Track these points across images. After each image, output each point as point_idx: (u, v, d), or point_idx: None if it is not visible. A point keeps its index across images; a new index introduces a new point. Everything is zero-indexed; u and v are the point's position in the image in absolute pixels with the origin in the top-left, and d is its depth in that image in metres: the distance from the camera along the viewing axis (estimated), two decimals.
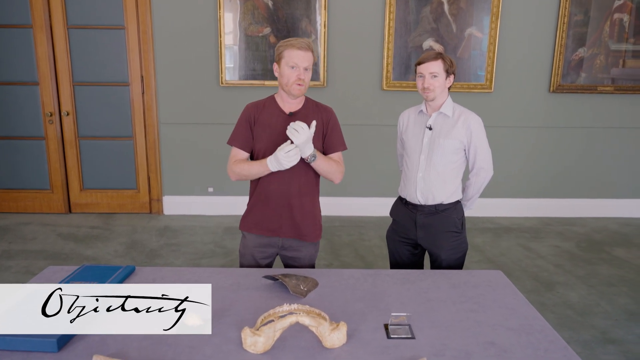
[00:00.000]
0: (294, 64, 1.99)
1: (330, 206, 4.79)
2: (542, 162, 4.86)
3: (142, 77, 4.57)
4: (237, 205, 4.75)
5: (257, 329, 1.49)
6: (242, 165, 2.07)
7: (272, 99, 2.15)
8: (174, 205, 4.82)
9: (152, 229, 4.42)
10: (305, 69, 2.01)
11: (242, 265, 2.26)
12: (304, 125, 1.91)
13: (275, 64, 2.07)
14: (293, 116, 2.09)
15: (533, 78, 4.64)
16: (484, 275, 2.01)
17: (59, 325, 1.47)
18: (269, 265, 2.27)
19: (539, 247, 4.12)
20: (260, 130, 2.09)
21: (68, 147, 4.69)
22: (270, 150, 2.04)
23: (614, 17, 4.47)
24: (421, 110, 2.24)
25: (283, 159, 1.92)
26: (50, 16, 4.41)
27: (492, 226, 4.61)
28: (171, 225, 4.50)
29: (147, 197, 4.82)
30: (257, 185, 2.14)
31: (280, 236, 2.15)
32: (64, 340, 1.44)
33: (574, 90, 4.64)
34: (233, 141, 2.13)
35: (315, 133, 2.07)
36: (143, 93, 4.60)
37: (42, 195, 4.76)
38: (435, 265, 2.25)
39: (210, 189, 4.80)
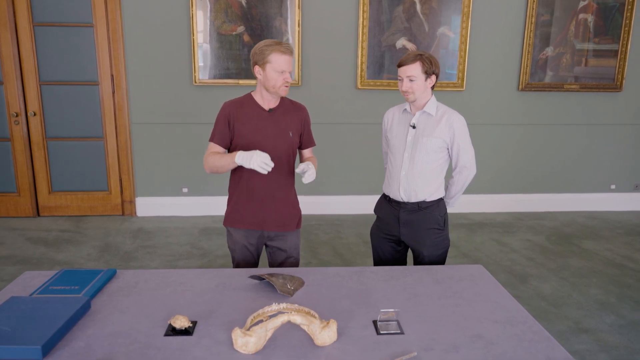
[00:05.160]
0: (282, 69, 2.07)
1: (306, 205, 4.76)
2: (511, 159, 4.99)
3: (112, 76, 4.46)
4: (212, 205, 4.73)
5: (248, 329, 1.48)
6: (214, 157, 2.15)
7: (249, 96, 2.22)
8: (147, 206, 4.73)
9: (125, 231, 4.33)
10: (290, 72, 2.13)
11: (235, 260, 2.32)
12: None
13: (257, 66, 2.11)
14: (272, 112, 2.19)
15: (503, 77, 4.75)
16: (466, 270, 2.05)
17: (43, 331, 1.42)
18: (259, 255, 2.34)
19: (511, 241, 4.22)
20: (241, 126, 2.16)
21: (35, 149, 4.54)
22: (254, 145, 2.14)
23: (579, 17, 4.62)
24: (405, 109, 2.26)
25: (256, 162, 1.97)
26: (14, 13, 4.26)
27: (466, 222, 4.70)
28: (145, 227, 4.42)
29: (119, 198, 4.72)
30: (240, 180, 2.21)
31: (266, 229, 2.24)
32: (48, 347, 1.40)
33: (541, 88, 4.77)
34: (212, 137, 2.21)
35: (293, 130, 2.23)
36: (114, 92, 4.50)
37: (9, 199, 4.60)
38: (418, 261, 2.28)
39: (185, 190, 4.74)
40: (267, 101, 2.19)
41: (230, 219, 2.26)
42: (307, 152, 2.36)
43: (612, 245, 4.17)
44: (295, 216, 2.30)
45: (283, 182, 2.23)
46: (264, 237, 2.28)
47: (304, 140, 2.32)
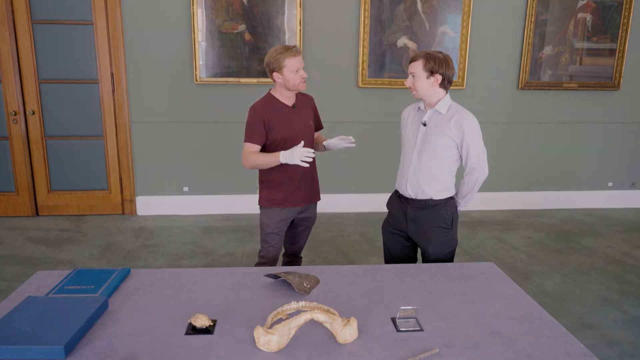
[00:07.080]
0: (297, 69, 2.40)
1: None
2: (511, 157, 5.02)
3: (112, 74, 4.43)
4: (213, 204, 4.72)
5: (270, 328, 1.48)
6: (257, 157, 2.43)
7: (271, 96, 2.52)
8: (147, 205, 4.71)
9: (126, 230, 4.31)
10: (304, 69, 2.46)
11: (266, 235, 2.58)
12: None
13: (275, 72, 2.42)
14: (295, 107, 2.54)
15: (503, 75, 4.78)
16: (478, 267, 2.06)
17: (64, 331, 1.42)
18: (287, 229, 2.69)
19: (512, 239, 4.26)
20: (274, 124, 2.46)
21: (34, 148, 4.50)
22: (288, 138, 2.46)
23: (577, 17, 4.66)
24: (419, 107, 2.28)
25: (299, 158, 2.28)
26: (13, 10, 4.22)
27: (467, 220, 4.73)
28: (146, 226, 4.40)
29: (119, 197, 4.69)
30: (282, 165, 2.43)
31: (299, 205, 2.59)
32: (70, 346, 1.40)
33: (540, 87, 4.81)
34: (251, 139, 2.46)
35: (311, 118, 2.61)
36: (113, 91, 4.47)
37: (7, 198, 4.56)
38: (424, 259, 2.30)
39: (185, 189, 4.72)
40: (287, 98, 2.51)
41: (267, 200, 2.56)
42: (316, 134, 2.75)
43: (611, 242, 4.22)
44: (318, 188, 2.71)
45: (312, 164, 2.55)
46: (296, 212, 2.61)
47: (316, 125, 2.72)
